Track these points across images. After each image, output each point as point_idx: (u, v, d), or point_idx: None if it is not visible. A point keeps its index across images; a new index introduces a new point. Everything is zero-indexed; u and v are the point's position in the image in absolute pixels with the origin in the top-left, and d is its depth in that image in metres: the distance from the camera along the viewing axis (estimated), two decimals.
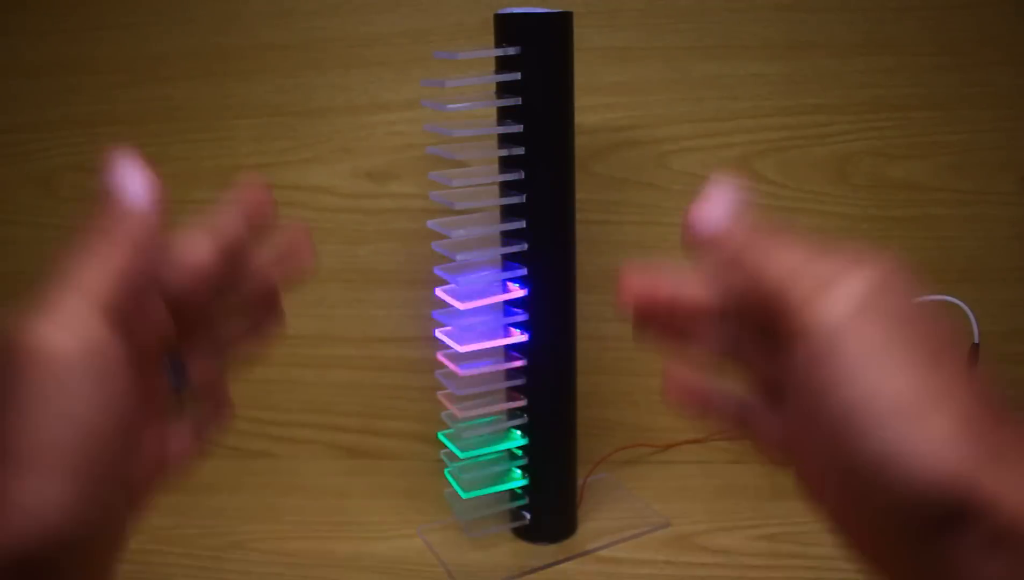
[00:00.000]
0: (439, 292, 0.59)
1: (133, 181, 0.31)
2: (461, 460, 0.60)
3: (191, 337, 0.34)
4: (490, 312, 0.60)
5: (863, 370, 0.23)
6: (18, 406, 0.26)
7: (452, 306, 0.58)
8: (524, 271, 0.58)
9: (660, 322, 0.32)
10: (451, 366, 0.59)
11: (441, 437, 0.62)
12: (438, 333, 0.60)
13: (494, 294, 0.59)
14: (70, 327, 0.27)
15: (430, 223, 0.58)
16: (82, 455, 0.26)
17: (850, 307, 0.24)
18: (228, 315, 0.35)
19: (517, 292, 0.59)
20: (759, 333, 0.28)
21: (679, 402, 0.33)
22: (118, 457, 0.28)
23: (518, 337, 0.60)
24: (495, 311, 0.60)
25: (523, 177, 0.57)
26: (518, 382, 0.61)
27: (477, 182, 0.57)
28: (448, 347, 0.59)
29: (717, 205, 0.28)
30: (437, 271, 0.59)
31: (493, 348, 0.60)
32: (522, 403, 0.61)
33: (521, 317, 0.59)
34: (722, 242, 0.28)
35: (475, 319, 0.59)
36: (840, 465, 0.24)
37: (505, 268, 0.59)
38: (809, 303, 0.25)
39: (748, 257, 0.27)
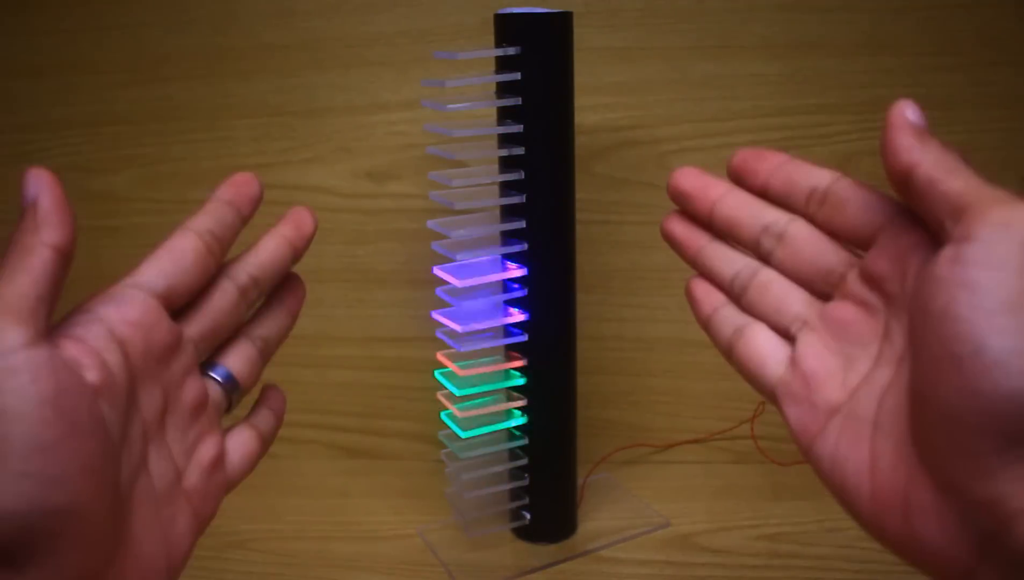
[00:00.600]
0: (439, 292, 0.60)
1: (45, 194, 0.31)
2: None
3: (216, 336, 0.36)
4: (490, 312, 0.60)
5: (1017, 278, 0.25)
6: None
7: (452, 306, 0.58)
8: (524, 271, 0.58)
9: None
10: (451, 366, 0.59)
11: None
12: (438, 333, 0.60)
13: (494, 294, 0.59)
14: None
15: (430, 223, 0.58)
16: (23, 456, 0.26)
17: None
18: (246, 304, 0.37)
19: (517, 292, 0.59)
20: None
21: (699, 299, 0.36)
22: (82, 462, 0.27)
23: (518, 337, 0.60)
24: (495, 311, 0.60)
25: (523, 177, 0.57)
26: (518, 382, 0.61)
27: (477, 182, 0.57)
28: (448, 347, 0.59)
29: (909, 128, 0.30)
30: (437, 271, 0.59)
31: (493, 347, 0.60)
32: (522, 403, 0.61)
33: (521, 317, 0.59)
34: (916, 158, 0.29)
35: (475, 319, 0.59)
36: (954, 361, 0.26)
37: (505, 268, 0.59)
38: (990, 209, 0.26)
39: (937, 165, 0.29)
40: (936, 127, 0.75)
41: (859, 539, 0.62)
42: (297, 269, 0.75)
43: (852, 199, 0.32)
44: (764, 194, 0.35)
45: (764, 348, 0.34)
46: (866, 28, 0.67)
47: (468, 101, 0.56)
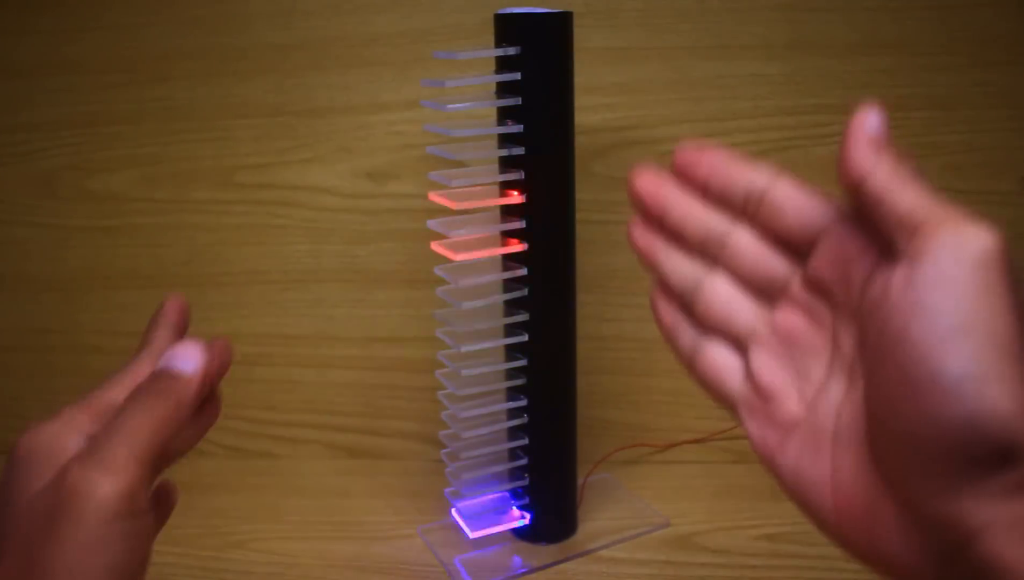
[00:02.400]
0: (439, 292, 0.59)
1: (185, 351, 0.36)
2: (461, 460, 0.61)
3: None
4: (490, 312, 0.60)
5: (971, 301, 0.25)
6: (58, 540, 0.31)
7: (452, 306, 0.58)
8: (524, 271, 0.58)
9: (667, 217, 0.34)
10: (451, 366, 0.59)
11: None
12: (438, 333, 0.60)
13: (494, 294, 0.59)
14: (114, 476, 0.31)
15: (430, 223, 0.58)
16: None
17: (978, 245, 0.26)
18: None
19: (517, 292, 0.59)
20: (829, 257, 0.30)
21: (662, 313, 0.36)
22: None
23: (518, 337, 0.60)
24: (495, 311, 0.60)
25: (523, 177, 0.57)
26: (518, 382, 0.61)
27: (477, 182, 0.57)
28: (448, 347, 0.59)
29: (866, 140, 0.30)
30: (437, 271, 0.59)
31: (493, 348, 0.60)
32: (522, 403, 0.61)
33: (521, 317, 0.59)
34: (873, 167, 0.29)
35: (475, 319, 0.59)
36: (910, 385, 0.26)
37: (505, 268, 0.59)
38: (943, 228, 0.26)
39: (895, 178, 0.28)
40: (936, 127, 0.75)
41: None
42: (297, 269, 0.76)
43: (788, 203, 0.31)
44: (705, 195, 0.34)
45: (719, 365, 0.34)
46: (866, 28, 0.67)
47: (468, 101, 0.56)
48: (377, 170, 0.73)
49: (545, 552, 0.63)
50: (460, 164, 0.60)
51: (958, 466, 0.25)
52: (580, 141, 0.60)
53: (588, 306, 0.71)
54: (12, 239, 0.77)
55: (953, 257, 0.26)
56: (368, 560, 0.63)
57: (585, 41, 0.66)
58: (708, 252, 0.34)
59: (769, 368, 0.32)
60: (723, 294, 0.33)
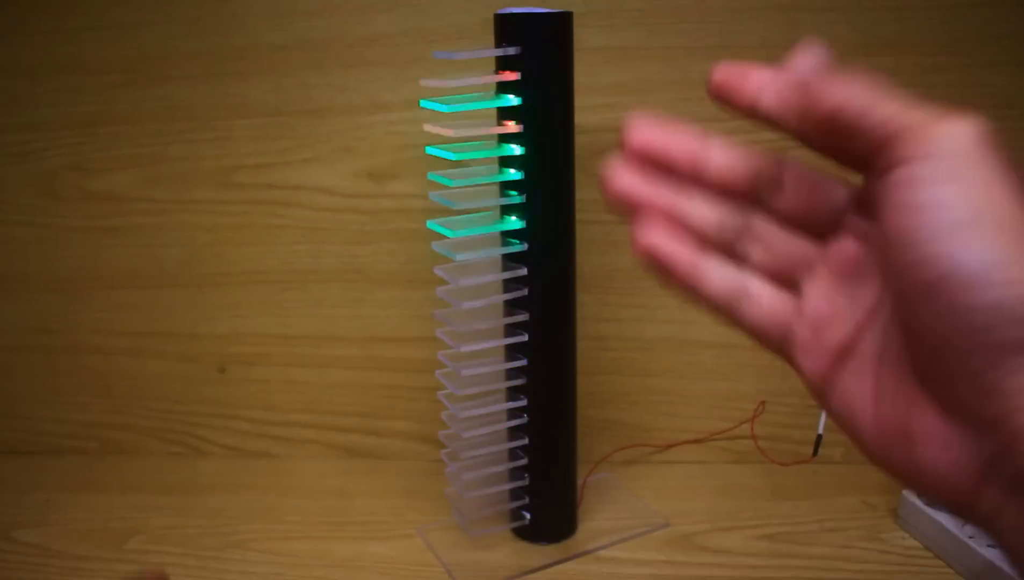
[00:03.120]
0: (439, 292, 0.60)
1: None
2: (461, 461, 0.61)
3: None
4: (490, 312, 0.60)
5: (973, 190, 0.26)
6: None
7: (452, 306, 0.58)
8: (524, 271, 0.58)
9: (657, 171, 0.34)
10: (451, 366, 0.59)
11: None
12: (438, 333, 0.60)
13: (494, 294, 0.59)
14: None
15: (430, 223, 0.58)
16: None
17: (968, 135, 0.27)
18: None
19: (517, 292, 0.59)
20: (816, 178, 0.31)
21: (660, 267, 0.34)
22: None
23: (518, 337, 0.60)
24: (495, 311, 0.60)
25: (523, 177, 0.57)
26: (518, 382, 0.61)
27: (477, 182, 0.57)
28: (448, 347, 0.59)
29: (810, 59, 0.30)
30: (437, 271, 0.59)
31: (493, 348, 0.60)
32: (522, 403, 0.61)
33: (521, 317, 0.59)
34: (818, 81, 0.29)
35: (475, 319, 0.59)
36: (925, 286, 0.26)
37: (505, 268, 0.59)
38: (930, 127, 0.27)
39: (853, 90, 0.29)
40: None
41: (859, 539, 0.62)
42: (297, 269, 0.76)
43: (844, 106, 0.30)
44: (752, 113, 0.33)
45: (771, 305, 0.32)
46: (866, 28, 0.67)
47: (468, 101, 0.56)
48: (377, 170, 0.73)
49: (545, 552, 0.63)
50: (460, 164, 0.60)
51: (994, 360, 0.25)
52: (580, 141, 0.60)
53: (588, 306, 0.71)
54: (12, 239, 0.77)
55: (947, 152, 0.26)
56: (368, 560, 0.63)
57: (585, 41, 0.66)
58: (756, 191, 0.33)
59: (823, 297, 0.31)
60: (775, 232, 0.33)
